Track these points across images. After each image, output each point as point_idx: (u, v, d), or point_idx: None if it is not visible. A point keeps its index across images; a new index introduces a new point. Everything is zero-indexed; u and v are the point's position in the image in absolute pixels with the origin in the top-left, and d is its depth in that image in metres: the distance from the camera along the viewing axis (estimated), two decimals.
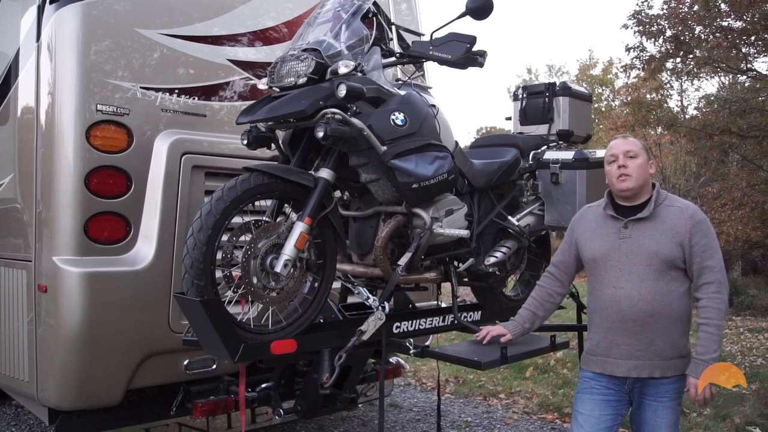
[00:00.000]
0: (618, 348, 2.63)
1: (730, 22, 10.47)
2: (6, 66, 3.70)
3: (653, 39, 11.26)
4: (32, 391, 3.34)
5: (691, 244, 2.56)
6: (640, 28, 11.22)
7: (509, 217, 3.51)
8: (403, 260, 2.92)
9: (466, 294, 6.96)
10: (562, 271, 2.92)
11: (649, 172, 2.69)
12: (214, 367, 3.50)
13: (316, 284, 2.84)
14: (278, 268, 2.55)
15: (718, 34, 10.51)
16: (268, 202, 2.82)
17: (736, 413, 5.13)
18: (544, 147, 3.73)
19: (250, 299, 2.68)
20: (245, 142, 2.96)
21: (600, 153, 3.82)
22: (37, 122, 3.31)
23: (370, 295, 2.98)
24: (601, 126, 21.65)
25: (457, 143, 3.23)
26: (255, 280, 2.59)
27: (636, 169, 2.65)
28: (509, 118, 4.19)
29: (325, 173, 2.73)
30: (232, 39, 3.70)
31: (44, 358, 3.23)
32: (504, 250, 3.46)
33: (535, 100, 4.00)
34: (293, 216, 2.75)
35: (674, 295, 2.58)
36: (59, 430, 3.35)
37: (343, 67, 2.70)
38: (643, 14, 11.25)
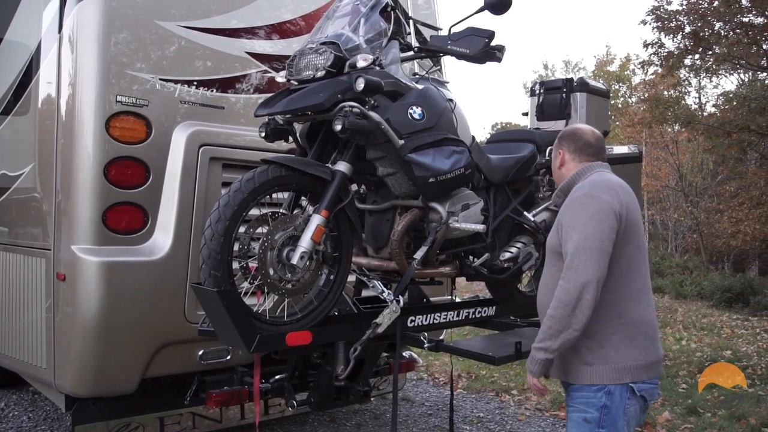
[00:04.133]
0: None
1: (752, 18, 10.34)
2: (28, 58, 3.73)
3: (672, 35, 11.16)
4: (49, 378, 3.38)
5: (561, 226, 2.29)
6: (659, 23, 11.12)
7: (525, 213, 3.50)
8: (418, 254, 2.92)
9: (481, 290, 6.94)
10: None
11: (556, 165, 2.53)
12: (229, 357, 3.52)
13: (332, 277, 2.85)
14: (294, 260, 2.56)
15: (738, 31, 10.38)
16: (285, 195, 2.83)
17: (751, 414, 5.08)
18: None
19: (266, 291, 2.69)
20: (263, 134, 2.97)
21: (618, 149, 3.80)
22: (57, 113, 3.35)
23: (384, 289, 2.98)
24: (617, 123, 21.50)
25: (474, 138, 3.22)
26: (271, 272, 2.60)
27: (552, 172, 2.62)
28: (526, 114, 4.17)
29: (342, 166, 2.73)
30: (250, 32, 3.71)
31: (61, 345, 3.27)
32: (519, 245, 3.45)
33: (553, 96, 3.97)
34: (310, 208, 2.76)
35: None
36: (75, 417, 3.39)
37: (362, 61, 2.70)
38: (662, 10, 11.15)
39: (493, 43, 2.91)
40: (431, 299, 3.61)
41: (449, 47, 2.94)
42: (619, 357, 2.21)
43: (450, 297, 4.16)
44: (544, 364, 2.23)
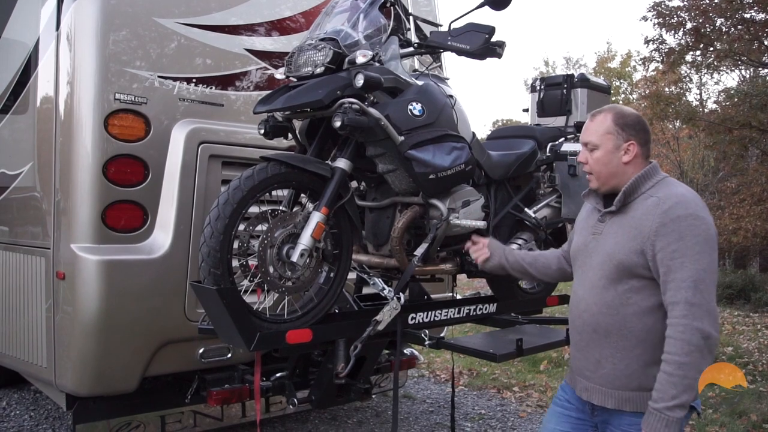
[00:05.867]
0: (576, 361, 2.25)
1: (753, 14, 10.31)
2: (26, 56, 3.72)
3: (673, 31, 11.13)
4: (50, 377, 3.38)
5: (655, 249, 1.99)
6: (660, 20, 11.09)
7: (526, 209, 3.49)
8: (419, 251, 2.91)
9: (482, 286, 6.94)
10: (565, 259, 2.54)
11: (622, 160, 2.15)
12: (230, 355, 3.52)
13: (332, 274, 2.84)
14: (294, 258, 2.55)
15: (739, 27, 10.36)
16: (285, 192, 2.82)
17: (752, 410, 5.08)
18: (562, 139, 3.69)
19: (266, 288, 2.68)
20: (262, 131, 2.96)
21: None
22: (56, 111, 3.34)
23: (385, 286, 2.97)
24: None
25: (474, 134, 3.21)
26: (271, 270, 2.59)
27: (595, 165, 2.19)
28: (527, 110, 4.16)
29: (341, 163, 2.72)
30: (249, 29, 3.70)
31: (62, 344, 3.26)
32: (520, 242, 3.44)
33: (553, 92, 3.96)
34: (310, 206, 2.75)
35: (631, 310, 2.05)
36: (76, 416, 3.39)
37: (361, 57, 2.68)
38: (663, 6, 11.12)
39: (493, 39, 2.89)
40: (432, 296, 3.60)
41: (449, 43, 2.93)
42: None
43: (451, 294, 4.15)
44: (682, 422, 1.95)
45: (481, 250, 2.80)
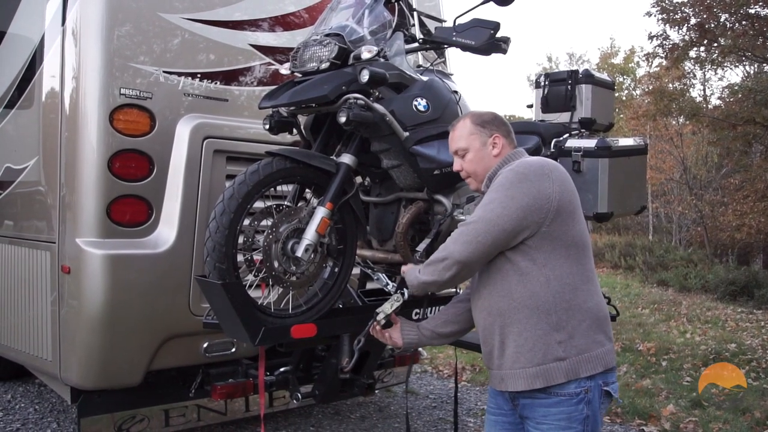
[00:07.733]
0: (486, 357, 2.26)
1: (758, 9, 10.28)
2: (31, 51, 3.73)
3: (677, 27, 11.10)
4: (55, 371, 3.40)
5: None
6: (664, 15, 11.06)
7: None
8: (423, 246, 2.91)
9: None
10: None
11: (492, 153, 2.27)
12: (233, 350, 3.53)
13: (337, 269, 2.85)
14: (299, 253, 2.55)
15: (744, 22, 10.32)
16: (290, 187, 2.82)
17: (756, 407, 5.08)
18: (566, 135, 3.68)
19: (270, 283, 2.69)
20: (267, 126, 2.96)
21: (623, 141, 3.78)
22: (61, 106, 3.35)
23: (389, 281, 2.98)
24: (622, 115, 21.45)
25: None
26: (276, 265, 2.59)
27: (470, 165, 2.31)
28: (531, 106, 4.15)
29: (346, 158, 2.72)
30: (253, 24, 3.70)
31: (67, 338, 3.28)
32: None
33: (558, 88, 3.95)
34: (314, 201, 2.75)
35: (510, 277, 2.11)
36: (81, 409, 3.41)
37: (366, 53, 2.68)
38: (667, 1, 11.09)
39: (498, 35, 2.89)
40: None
41: (454, 39, 2.92)
42: (589, 345, 2.10)
43: (454, 290, 4.15)
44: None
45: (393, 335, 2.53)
